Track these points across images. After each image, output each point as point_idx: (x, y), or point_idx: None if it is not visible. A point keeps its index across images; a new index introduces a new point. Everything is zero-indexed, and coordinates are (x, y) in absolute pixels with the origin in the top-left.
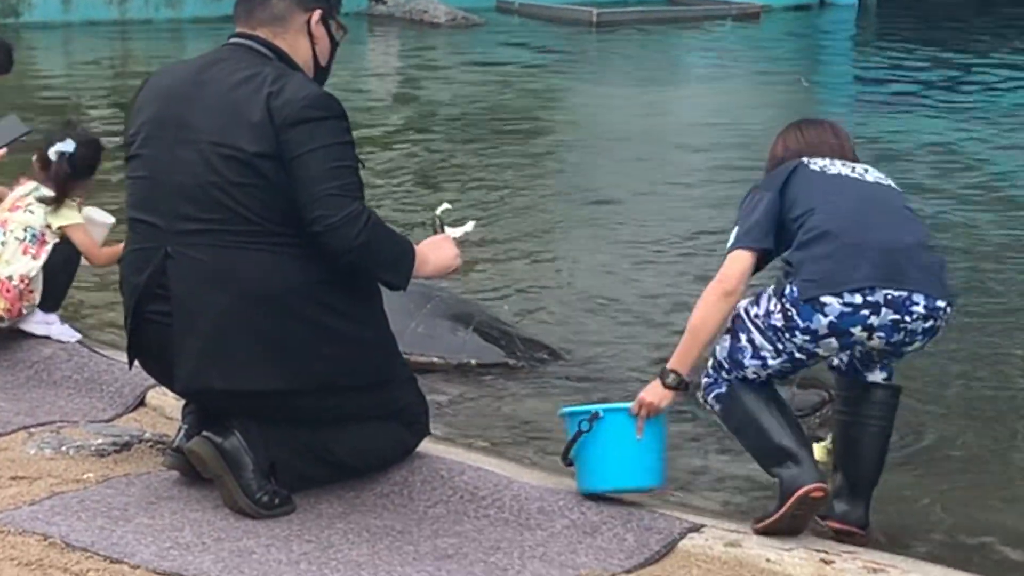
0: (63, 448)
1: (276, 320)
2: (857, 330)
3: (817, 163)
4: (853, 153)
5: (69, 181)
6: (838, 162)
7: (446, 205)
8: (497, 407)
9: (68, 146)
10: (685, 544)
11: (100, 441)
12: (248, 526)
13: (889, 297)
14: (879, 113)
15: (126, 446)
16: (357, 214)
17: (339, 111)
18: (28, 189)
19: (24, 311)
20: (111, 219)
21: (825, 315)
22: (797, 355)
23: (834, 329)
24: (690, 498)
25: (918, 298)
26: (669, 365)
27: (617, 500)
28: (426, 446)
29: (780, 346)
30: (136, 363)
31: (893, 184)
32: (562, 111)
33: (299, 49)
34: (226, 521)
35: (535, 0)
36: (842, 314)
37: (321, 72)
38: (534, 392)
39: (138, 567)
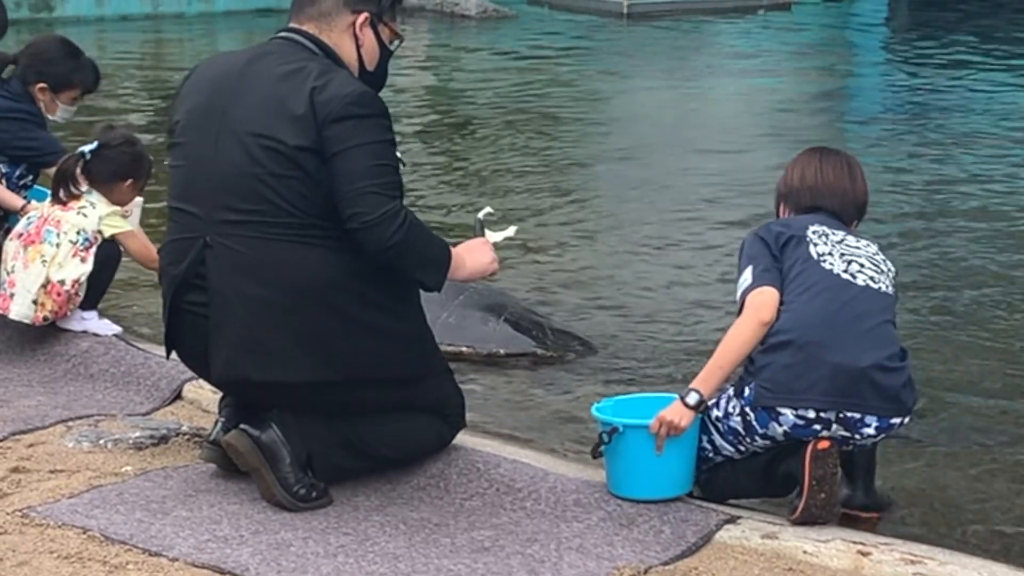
0: (101, 441)
1: (312, 313)
2: (809, 439)
3: (818, 243)
4: (865, 194)
5: (97, 182)
6: (839, 244)
7: (488, 209)
8: (527, 398)
9: (89, 147)
10: (721, 536)
11: (138, 434)
12: (285, 519)
13: (841, 416)
14: (909, 102)
15: (163, 439)
16: (394, 213)
17: (382, 109)
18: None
19: (69, 313)
20: (140, 199)
21: (780, 424)
22: (759, 450)
23: (789, 437)
24: None
25: (870, 419)
26: (693, 384)
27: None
28: (462, 438)
29: (741, 447)
30: (173, 354)
31: (884, 286)
32: (593, 103)
33: (344, 49)
34: (263, 514)
35: None
36: (795, 426)
37: (368, 75)
38: (565, 383)
39: (176, 560)
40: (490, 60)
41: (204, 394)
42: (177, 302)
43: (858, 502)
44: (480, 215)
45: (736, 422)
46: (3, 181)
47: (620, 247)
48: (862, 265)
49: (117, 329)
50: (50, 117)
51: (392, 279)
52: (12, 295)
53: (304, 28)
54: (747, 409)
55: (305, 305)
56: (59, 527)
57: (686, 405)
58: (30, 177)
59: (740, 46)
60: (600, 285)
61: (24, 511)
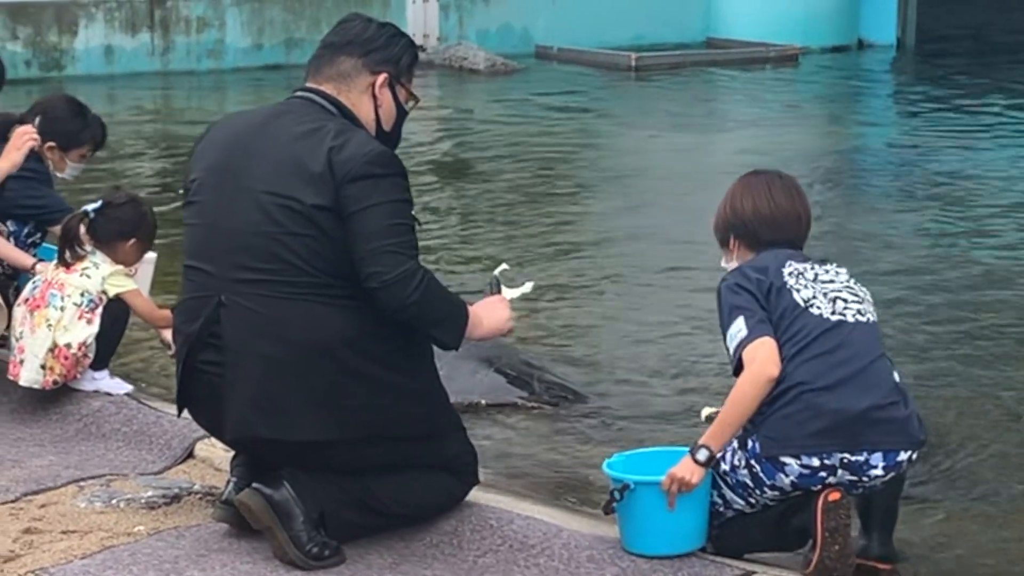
0: (113, 501)
1: (326, 371)
2: (817, 488)
3: (800, 288)
4: (809, 224)
5: (100, 241)
6: (816, 283)
7: (504, 266)
8: (505, 448)
9: (92, 206)
10: None
11: (150, 494)
12: None
13: (845, 460)
14: (916, 152)
15: (176, 498)
16: (412, 272)
17: (400, 169)
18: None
19: (79, 376)
20: (153, 255)
21: (786, 474)
22: (769, 503)
23: (796, 487)
24: None
25: (876, 459)
26: (702, 441)
27: None
28: (474, 494)
29: (752, 500)
30: (185, 412)
31: (870, 315)
32: (601, 155)
33: (362, 109)
34: (276, 573)
35: (574, 45)
36: (801, 475)
37: (384, 136)
38: (544, 434)
39: None
40: (499, 113)
41: (216, 452)
42: (191, 361)
43: (874, 552)
44: (496, 272)
45: (744, 475)
46: (11, 240)
47: (622, 297)
48: (846, 301)
49: (129, 388)
50: (59, 175)
51: (406, 338)
52: (22, 361)
53: (322, 88)
54: (752, 461)
55: (319, 363)
56: None
57: (696, 461)
58: (38, 235)
59: (747, 99)
60: (599, 335)
61: (37, 573)
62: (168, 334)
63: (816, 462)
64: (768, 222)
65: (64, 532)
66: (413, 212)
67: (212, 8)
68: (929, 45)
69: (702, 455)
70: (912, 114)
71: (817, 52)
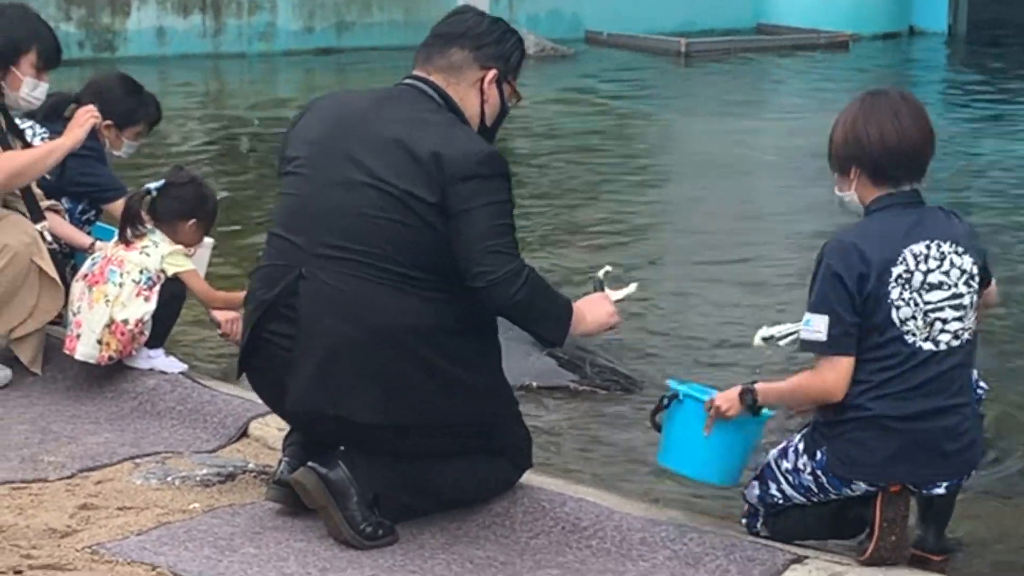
0: (169, 478)
1: (395, 358)
2: None
3: (901, 304)
4: (934, 151)
5: (161, 221)
6: (922, 290)
7: (608, 268)
8: (556, 431)
9: (155, 184)
10: None
11: (205, 471)
12: (352, 556)
13: (914, 483)
14: (965, 140)
15: (230, 476)
16: (518, 271)
17: (505, 170)
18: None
19: (134, 352)
20: (211, 240)
21: (853, 490)
22: (832, 498)
23: (864, 496)
24: None
25: (941, 483)
26: (756, 386)
27: (720, 531)
28: (527, 476)
29: (813, 500)
30: (239, 390)
31: (968, 332)
32: (652, 141)
33: (468, 102)
34: (331, 552)
35: (623, 31)
36: (867, 491)
37: (485, 131)
38: (595, 417)
39: None
40: (548, 98)
41: (270, 432)
42: (260, 329)
43: (930, 545)
44: (600, 274)
45: (808, 480)
46: (66, 217)
47: (671, 282)
48: (945, 321)
49: (183, 367)
50: (115, 153)
51: (477, 336)
52: (78, 335)
53: (431, 78)
54: (819, 472)
55: (389, 349)
56: (128, 564)
57: (741, 399)
58: (93, 212)
59: (797, 86)
60: (649, 321)
61: (93, 548)
62: (221, 315)
63: (883, 483)
64: (896, 154)
65: (120, 508)
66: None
67: None
68: (981, 33)
69: (748, 399)
70: (963, 103)
71: (868, 39)
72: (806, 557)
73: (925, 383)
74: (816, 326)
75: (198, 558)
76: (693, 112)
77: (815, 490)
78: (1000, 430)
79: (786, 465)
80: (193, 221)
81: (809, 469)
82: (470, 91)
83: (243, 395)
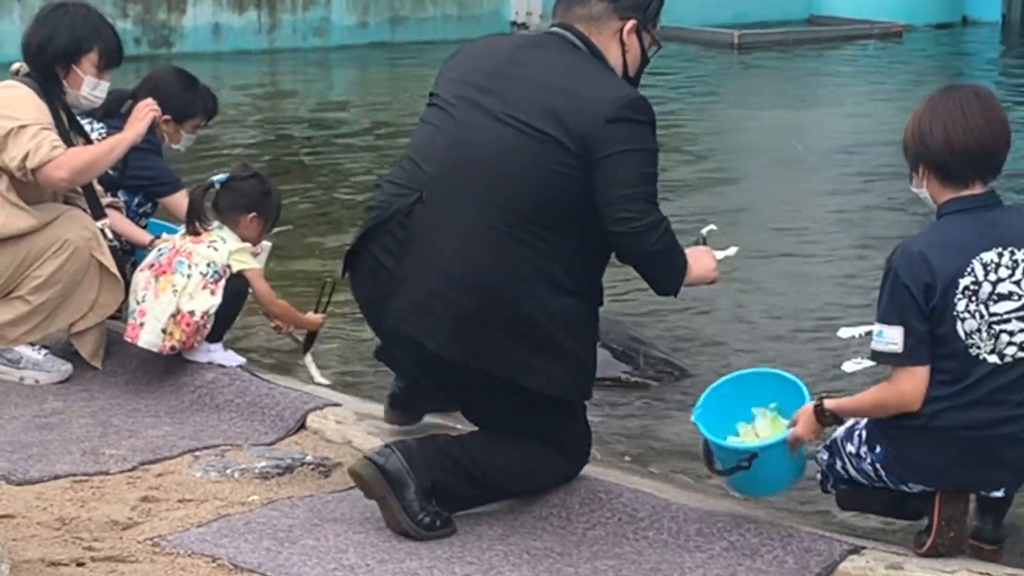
0: (228, 471)
1: (493, 303)
2: None
3: (966, 316)
4: (1008, 148)
5: (223, 214)
6: (989, 302)
7: (712, 226)
8: (611, 423)
9: (219, 177)
10: (846, 566)
11: (263, 464)
12: (411, 547)
13: (971, 488)
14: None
15: (289, 469)
16: (659, 221)
17: (653, 118)
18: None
19: (196, 344)
20: (269, 244)
21: (909, 488)
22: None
23: (922, 493)
24: (850, 519)
25: (998, 489)
26: (829, 405)
27: (777, 522)
28: (584, 467)
29: (876, 484)
30: (296, 383)
31: None
32: (706, 132)
33: (610, 52)
34: (389, 543)
35: (676, 23)
36: (924, 490)
37: (628, 80)
38: (648, 409)
39: None
40: None
41: (328, 424)
42: (365, 240)
43: (987, 536)
44: (704, 231)
45: (868, 468)
46: (124, 211)
47: (735, 275)
48: (1012, 332)
49: (241, 360)
50: (174, 147)
51: (581, 297)
52: (142, 324)
53: (576, 27)
54: (879, 465)
55: (490, 292)
56: (189, 556)
57: (821, 423)
58: (149, 205)
59: (851, 77)
60: (705, 314)
61: (155, 540)
62: (278, 319)
63: (939, 486)
64: (962, 154)
65: (180, 501)
66: None
67: None
68: None
69: (827, 420)
70: (1018, 92)
71: (921, 29)
72: (864, 548)
73: (989, 395)
74: (890, 337)
75: (258, 550)
76: (748, 104)
77: (875, 478)
78: None
79: (850, 448)
80: (254, 215)
81: (869, 460)
82: (611, 42)
83: (301, 388)
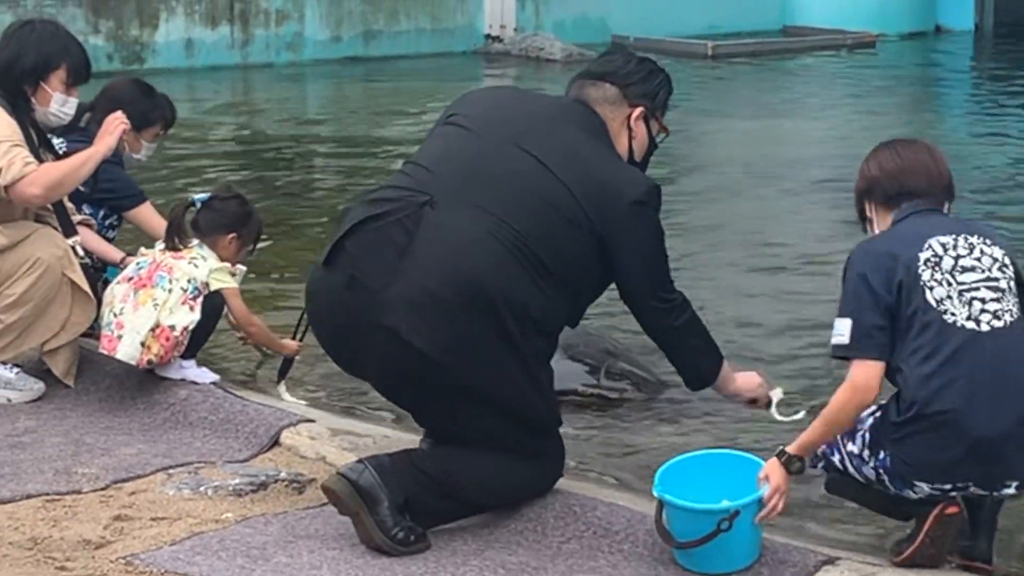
0: (201, 488)
1: (483, 315)
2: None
3: (934, 285)
4: (950, 177)
5: (202, 233)
6: (954, 272)
7: (781, 394)
8: (590, 435)
9: (200, 196)
10: None
11: (237, 481)
12: (385, 563)
13: (981, 483)
14: (995, 141)
15: (263, 486)
16: (681, 302)
17: (660, 204)
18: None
19: (172, 360)
20: (243, 268)
21: (915, 492)
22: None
23: (922, 501)
24: (824, 530)
25: (1011, 481)
26: (792, 451)
27: None
28: (559, 481)
29: (876, 485)
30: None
31: (1010, 313)
32: (679, 143)
33: (619, 137)
34: (363, 559)
35: (650, 35)
36: (931, 495)
37: (634, 165)
38: (620, 421)
39: None
40: None
41: (302, 440)
42: (367, 226)
43: (980, 554)
44: (774, 397)
45: (870, 472)
46: (95, 228)
47: (702, 285)
48: (983, 301)
49: (215, 377)
50: (135, 156)
51: (551, 340)
52: (120, 336)
53: (592, 107)
54: (882, 471)
55: (483, 304)
56: (162, 574)
57: (790, 472)
58: (115, 218)
59: (824, 87)
60: None
61: (128, 559)
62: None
63: (949, 486)
64: (893, 174)
65: (153, 519)
66: None
67: (291, 1)
68: (1007, 31)
69: (796, 467)
70: (991, 101)
71: (894, 39)
72: (838, 558)
73: (977, 368)
74: (839, 329)
75: (231, 567)
76: (722, 114)
77: (875, 481)
78: None
79: (852, 448)
80: (233, 236)
81: (872, 464)
82: (622, 127)
83: (274, 404)
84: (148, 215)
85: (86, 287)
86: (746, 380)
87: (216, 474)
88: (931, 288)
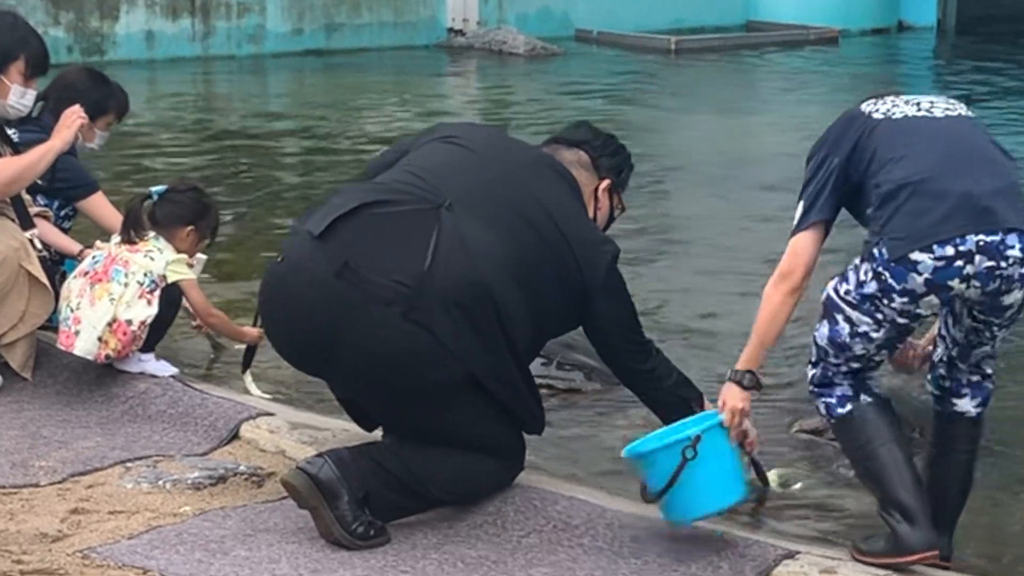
0: (160, 482)
1: (477, 306)
2: (955, 283)
3: (880, 109)
4: None
5: (159, 225)
6: (901, 100)
7: (776, 476)
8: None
9: (157, 188)
10: (780, 572)
11: (196, 474)
12: (344, 557)
13: (982, 243)
14: None
15: (221, 479)
16: (650, 351)
17: None
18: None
19: (130, 354)
20: (203, 257)
21: (919, 273)
22: (899, 320)
23: (931, 286)
24: (784, 525)
25: (1012, 240)
26: (740, 366)
27: (712, 528)
28: (519, 476)
29: (879, 316)
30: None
31: (964, 112)
32: (642, 139)
33: (588, 202)
34: (322, 553)
35: (613, 29)
36: (935, 269)
37: None
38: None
39: None
40: (539, 97)
41: (261, 434)
42: (371, 211)
43: (940, 550)
44: (773, 477)
45: (871, 287)
46: (51, 220)
47: (668, 277)
48: (932, 102)
49: (174, 370)
50: (88, 145)
51: (536, 350)
52: (77, 332)
53: (570, 170)
54: (881, 269)
55: (480, 294)
56: (119, 568)
57: (744, 388)
58: (71, 208)
59: (787, 82)
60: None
61: (85, 552)
62: (216, 331)
63: (950, 250)
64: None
65: (111, 512)
66: None
67: None
68: (969, 28)
69: (748, 380)
70: (954, 98)
71: (857, 34)
72: (798, 552)
73: (942, 139)
74: (800, 208)
75: (189, 561)
76: (683, 110)
77: (879, 296)
78: (999, 422)
79: (846, 287)
80: (191, 228)
81: (871, 274)
82: (590, 195)
83: (234, 398)
84: (101, 206)
85: (44, 279)
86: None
87: (174, 467)
88: (877, 110)
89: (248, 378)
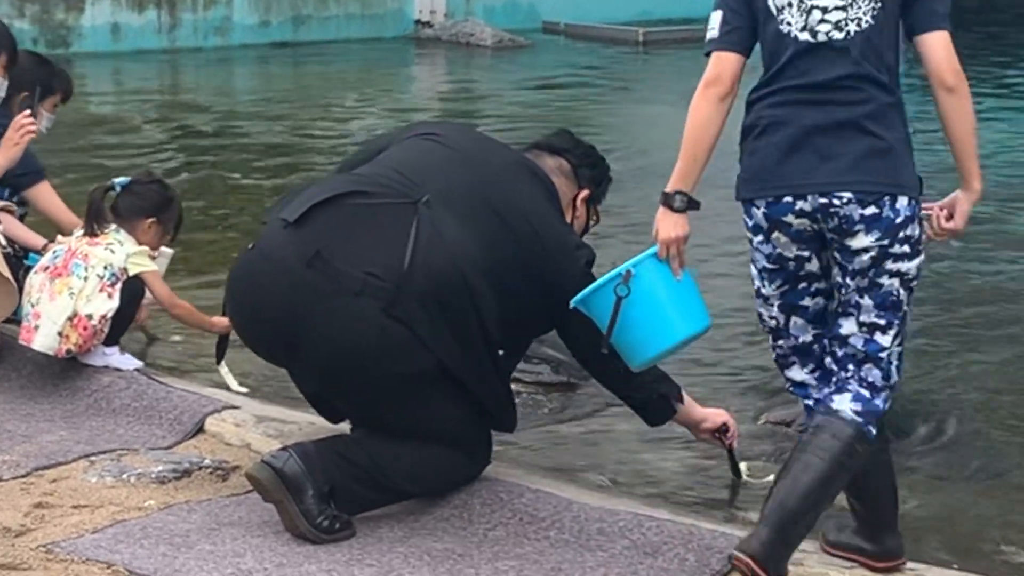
0: (124, 476)
1: (453, 295)
2: (791, 218)
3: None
4: None
5: (121, 218)
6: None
7: (746, 470)
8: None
9: (119, 180)
10: None
11: (160, 468)
12: (309, 551)
13: (811, 187)
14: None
15: (186, 473)
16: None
17: None
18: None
19: (92, 348)
20: (170, 251)
21: (757, 207)
22: (769, 266)
23: (770, 220)
24: (753, 516)
25: (842, 191)
26: (670, 188)
27: (678, 520)
28: (485, 468)
29: (756, 266)
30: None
31: (850, 28)
32: (609, 130)
33: (566, 210)
34: (287, 547)
35: (580, 21)
36: (769, 203)
37: None
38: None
39: None
40: (506, 89)
41: (226, 427)
42: (349, 202)
43: (893, 551)
44: (743, 468)
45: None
46: (15, 214)
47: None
48: (825, 9)
49: (139, 364)
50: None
51: (517, 349)
52: (37, 327)
53: (550, 177)
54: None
55: (456, 285)
56: (83, 562)
57: (675, 210)
58: (15, 199)
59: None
60: None
61: (48, 547)
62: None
63: (773, 194)
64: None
65: (75, 507)
66: None
67: None
68: None
69: (679, 202)
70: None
71: None
72: None
73: (815, 86)
74: (711, 23)
75: (154, 556)
76: (650, 101)
77: (750, 242)
78: (934, 406)
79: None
80: (153, 220)
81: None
82: (568, 203)
83: (198, 391)
84: (47, 195)
85: (7, 274)
86: (711, 416)
87: (139, 461)
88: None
89: (224, 369)
